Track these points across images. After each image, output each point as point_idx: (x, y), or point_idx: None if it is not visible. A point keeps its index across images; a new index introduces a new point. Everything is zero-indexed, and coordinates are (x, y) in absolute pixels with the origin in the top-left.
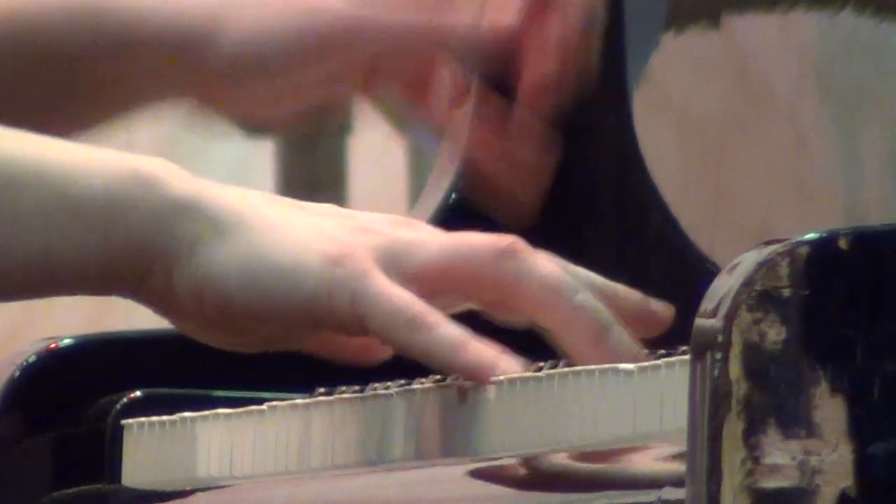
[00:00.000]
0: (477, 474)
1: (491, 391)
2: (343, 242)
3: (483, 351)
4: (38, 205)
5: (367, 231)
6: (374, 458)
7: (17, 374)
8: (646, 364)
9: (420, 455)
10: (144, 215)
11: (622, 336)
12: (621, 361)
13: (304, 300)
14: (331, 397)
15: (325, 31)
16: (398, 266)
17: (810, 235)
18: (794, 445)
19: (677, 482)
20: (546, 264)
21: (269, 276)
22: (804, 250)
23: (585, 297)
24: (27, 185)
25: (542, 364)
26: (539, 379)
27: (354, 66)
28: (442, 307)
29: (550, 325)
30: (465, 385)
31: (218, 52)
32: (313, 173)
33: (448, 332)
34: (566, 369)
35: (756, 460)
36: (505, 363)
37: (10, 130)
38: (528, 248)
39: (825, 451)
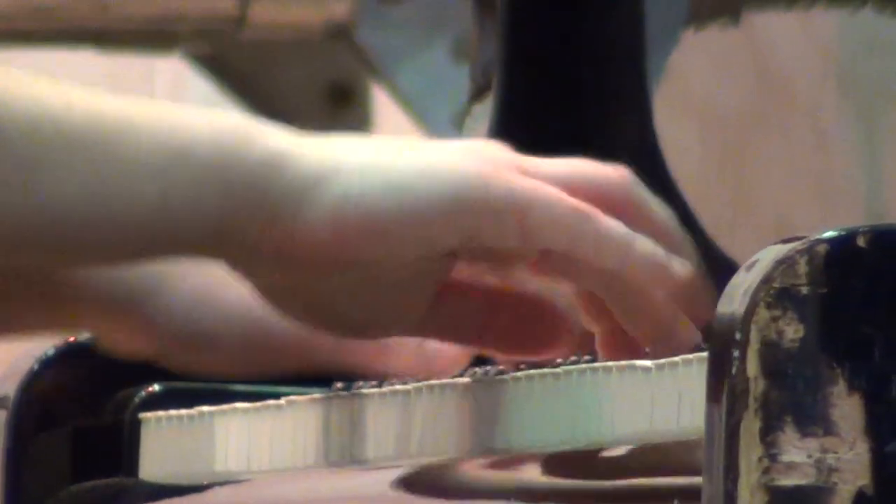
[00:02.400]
0: (492, 469)
1: (508, 386)
2: (477, 149)
3: (653, 245)
4: (153, 154)
5: (492, 148)
6: (393, 453)
7: (36, 367)
8: (663, 361)
9: (438, 450)
10: (258, 165)
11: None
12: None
13: (456, 194)
14: (349, 392)
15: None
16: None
17: (829, 233)
18: (812, 443)
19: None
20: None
21: (419, 181)
22: (823, 248)
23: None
24: (138, 130)
25: (559, 360)
26: (557, 374)
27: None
28: None
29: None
30: (484, 380)
31: (155, 311)
32: None
33: (615, 224)
34: (584, 365)
35: (773, 458)
36: (676, 263)
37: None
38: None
39: (842, 449)
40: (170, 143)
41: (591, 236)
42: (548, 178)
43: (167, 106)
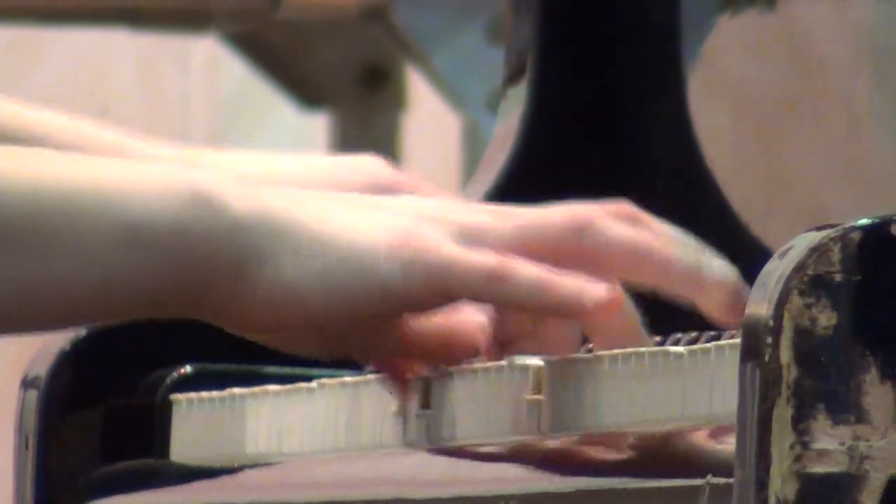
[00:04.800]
0: (521, 456)
1: (539, 371)
2: (408, 229)
3: (571, 283)
4: (98, 233)
5: (434, 219)
6: (423, 437)
7: (68, 347)
8: (696, 347)
9: (467, 435)
10: (205, 237)
11: (714, 261)
12: (721, 289)
13: (379, 287)
14: (380, 375)
15: None
16: (473, 243)
17: (863, 221)
18: (844, 431)
19: (726, 466)
20: (623, 231)
21: (338, 274)
22: (856, 235)
23: (669, 248)
24: (84, 211)
25: (591, 345)
26: (588, 360)
27: None
28: None
29: (647, 284)
30: (513, 365)
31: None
32: (367, 149)
33: (529, 274)
34: (616, 351)
35: (805, 445)
36: (593, 289)
37: (59, 152)
38: (601, 215)
39: (874, 437)
40: (118, 223)
41: (506, 297)
42: (493, 244)
43: (126, 168)
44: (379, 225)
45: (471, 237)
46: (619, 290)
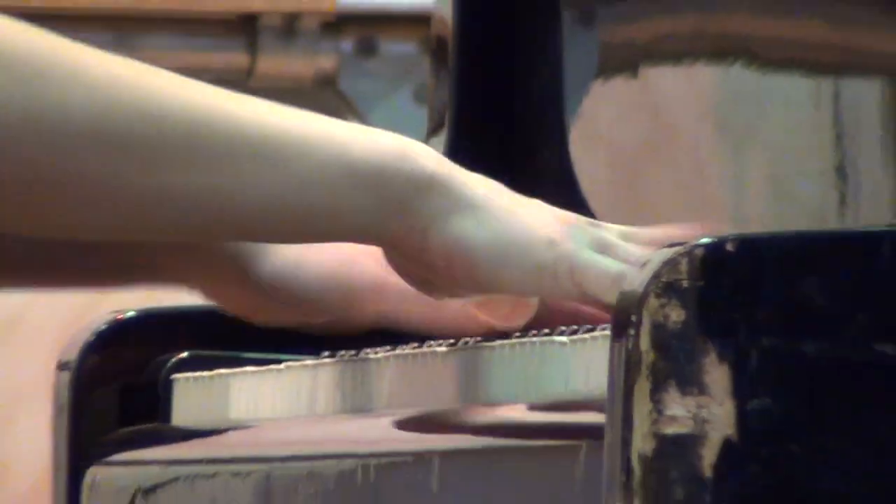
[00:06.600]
0: (440, 420)
1: (453, 356)
2: (564, 230)
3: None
4: (323, 169)
5: (581, 227)
6: (365, 406)
7: (92, 338)
8: (576, 337)
9: (398, 404)
10: (409, 184)
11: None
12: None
13: (535, 269)
14: (333, 359)
15: (354, 285)
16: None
17: (704, 240)
18: (689, 401)
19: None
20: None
21: (509, 248)
22: (700, 251)
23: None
24: (313, 152)
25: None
26: (492, 348)
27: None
28: None
29: None
30: (435, 351)
31: (260, 272)
32: None
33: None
34: (514, 340)
35: (660, 412)
36: None
37: (281, 106)
38: None
39: (713, 405)
40: (340, 161)
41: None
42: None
43: (336, 124)
44: (546, 220)
45: (604, 249)
46: None
